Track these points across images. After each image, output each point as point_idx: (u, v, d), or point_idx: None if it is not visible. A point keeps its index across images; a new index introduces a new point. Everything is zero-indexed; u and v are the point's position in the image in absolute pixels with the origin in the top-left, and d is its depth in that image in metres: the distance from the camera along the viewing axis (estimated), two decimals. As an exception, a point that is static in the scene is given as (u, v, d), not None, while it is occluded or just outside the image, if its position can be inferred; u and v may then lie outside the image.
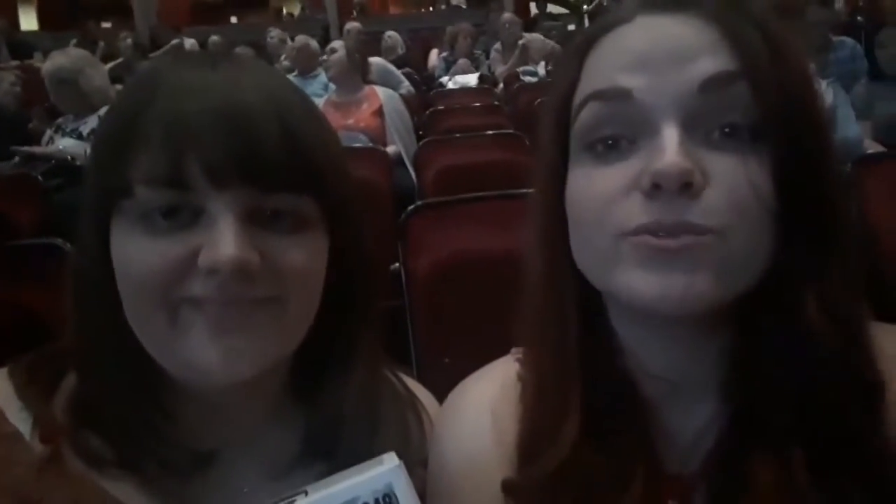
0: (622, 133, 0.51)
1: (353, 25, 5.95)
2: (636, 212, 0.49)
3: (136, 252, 0.52)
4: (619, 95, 0.51)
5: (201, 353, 0.52)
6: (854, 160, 2.02)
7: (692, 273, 0.47)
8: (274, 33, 6.18)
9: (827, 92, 2.77)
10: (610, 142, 0.51)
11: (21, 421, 0.55)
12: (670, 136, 0.48)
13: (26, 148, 2.93)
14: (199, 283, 0.51)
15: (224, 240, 0.50)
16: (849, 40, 3.58)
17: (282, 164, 0.53)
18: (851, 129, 2.77)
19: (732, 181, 0.48)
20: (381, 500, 0.40)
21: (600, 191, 0.51)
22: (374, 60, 4.87)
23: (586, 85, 0.54)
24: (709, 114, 0.49)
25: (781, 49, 0.50)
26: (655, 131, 0.49)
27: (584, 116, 0.53)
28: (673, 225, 0.47)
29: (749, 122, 0.49)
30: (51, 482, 0.53)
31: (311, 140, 0.56)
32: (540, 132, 0.59)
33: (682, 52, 0.49)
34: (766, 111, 0.48)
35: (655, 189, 0.48)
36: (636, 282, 0.49)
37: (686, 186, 0.47)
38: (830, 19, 3.43)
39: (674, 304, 0.48)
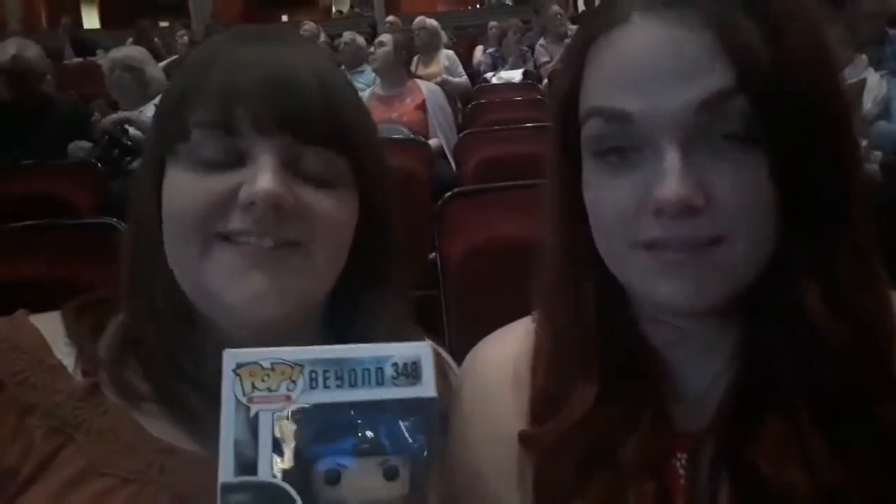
0: (628, 145, 0.52)
1: (395, 20, 6.07)
2: (646, 228, 0.51)
3: (185, 187, 0.58)
4: (619, 116, 0.52)
5: (225, 287, 0.57)
6: (904, 152, 1.98)
7: (700, 280, 0.51)
8: (307, 27, 6.33)
9: (880, 84, 2.69)
10: (617, 151, 0.53)
11: (66, 355, 0.61)
12: (671, 160, 0.49)
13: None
14: (238, 217, 0.57)
15: (263, 175, 0.56)
16: (906, 32, 3.46)
17: (319, 120, 0.59)
18: (905, 123, 2.69)
19: (734, 191, 0.49)
20: (408, 365, 0.46)
21: (613, 205, 0.53)
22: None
23: (588, 93, 0.55)
24: (709, 126, 0.49)
25: (786, 51, 0.48)
26: (658, 150, 0.50)
27: (589, 129, 0.54)
28: (680, 240, 0.50)
29: (749, 130, 0.48)
30: (90, 410, 0.59)
31: (348, 109, 0.62)
32: (550, 123, 0.61)
33: (680, 70, 0.49)
34: (765, 121, 0.48)
35: (660, 212, 0.50)
36: (649, 286, 0.53)
37: (687, 210, 0.49)
38: (886, 11, 3.32)
39: (684, 305, 0.52)
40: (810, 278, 0.51)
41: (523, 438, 0.60)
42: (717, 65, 0.48)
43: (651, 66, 0.50)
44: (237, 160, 0.58)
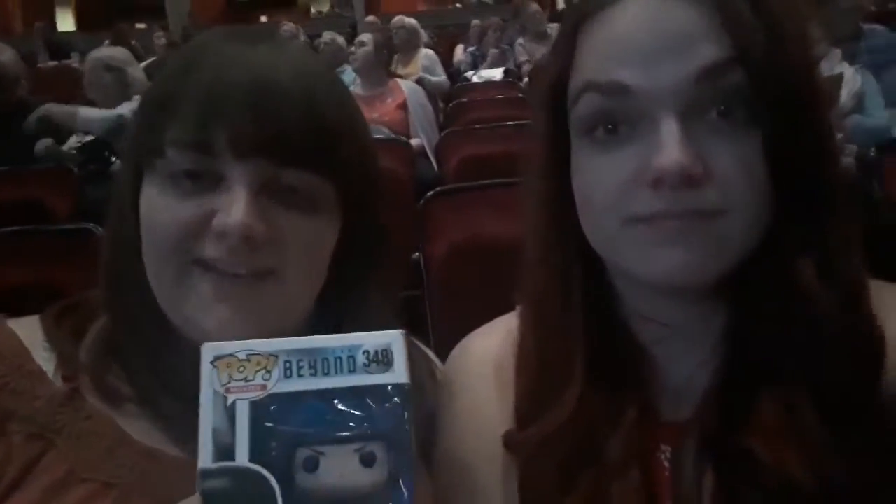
0: (624, 120, 0.52)
1: (375, 20, 6.05)
2: (644, 201, 0.51)
3: (161, 207, 0.57)
4: (616, 90, 0.51)
5: (201, 314, 0.56)
6: (878, 145, 2.02)
7: (698, 250, 0.50)
8: (287, 27, 6.27)
9: (855, 78, 2.74)
10: (610, 126, 0.53)
11: (45, 361, 0.60)
12: (670, 130, 0.49)
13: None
14: (212, 244, 0.56)
15: (236, 207, 0.54)
16: (880, 28, 3.52)
17: (301, 142, 0.56)
18: (879, 116, 2.75)
19: (731, 165, 0.49)
20: (379, 353, 0.47)
21: (607, 181, 0.53)
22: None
23: (582, 70, 0.55)
24: (706, 99, 0.50)
25: (778, 28, 0.50)
26: (654, 123, 0.50)
27: (583, 105, 0.54)
28: (680, 212, 0.50)
29: (744, 103, 0.50)
30: (71, 415, 0.58)
31: (336, 125, 0.59)
32: (534, 106, 0.61)
33: (678, 42, 0.50)
34: (761, 96, 0.49)
35: (659, 182, 0.50)
36: (643, 261, 0.52)
37: (688, 178, 0.49)
38: (862, 7, 3.37)
39: (678, 279, 0.51)
40: (803, 251, 0.51)
41: (507, 442, 0.60)
42: (714, 37, 0.49)
43: (648, 39, 0.50)
44: (214, 182, 0.56)
